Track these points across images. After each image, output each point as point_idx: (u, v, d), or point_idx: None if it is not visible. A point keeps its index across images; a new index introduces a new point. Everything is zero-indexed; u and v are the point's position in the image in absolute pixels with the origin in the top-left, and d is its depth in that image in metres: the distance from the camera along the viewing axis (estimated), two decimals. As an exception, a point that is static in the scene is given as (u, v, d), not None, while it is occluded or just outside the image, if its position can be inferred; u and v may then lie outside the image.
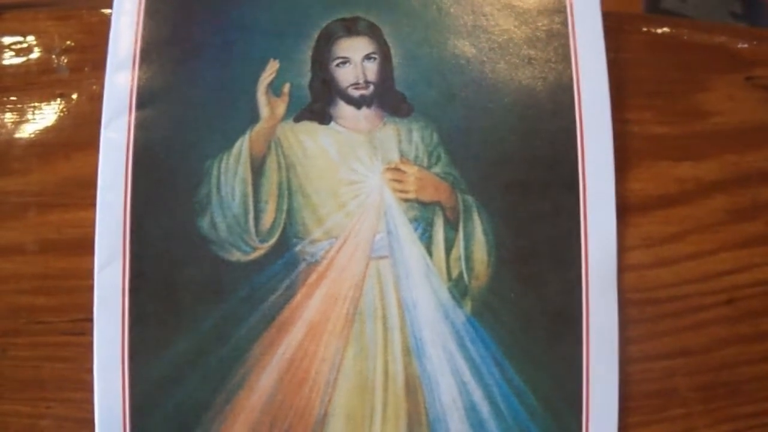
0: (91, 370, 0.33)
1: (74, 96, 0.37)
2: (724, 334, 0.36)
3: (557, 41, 0.36)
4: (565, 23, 0.36)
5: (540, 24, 0.36)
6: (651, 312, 0.36)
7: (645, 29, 0.39)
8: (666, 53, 0.39)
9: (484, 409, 0.33)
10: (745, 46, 0.39)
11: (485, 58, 0.36)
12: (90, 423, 0.33)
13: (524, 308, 0.34)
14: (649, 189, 0.37)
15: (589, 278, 0.34)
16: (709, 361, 0.36)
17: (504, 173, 0.35)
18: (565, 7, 0.36)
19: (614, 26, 0.37)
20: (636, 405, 0.35)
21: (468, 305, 0.34)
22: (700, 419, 0.36)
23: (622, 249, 0.35)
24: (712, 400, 0.36)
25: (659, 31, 0.40)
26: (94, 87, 0.37)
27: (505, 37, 0.36)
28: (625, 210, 0.36)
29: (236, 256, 0.34)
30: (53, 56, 0.38)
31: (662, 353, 0.36)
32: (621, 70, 0.38)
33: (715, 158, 0.38)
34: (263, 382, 0.33)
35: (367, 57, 0.35)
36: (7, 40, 0.38)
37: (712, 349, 0.36)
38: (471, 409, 0.33)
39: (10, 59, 0.38)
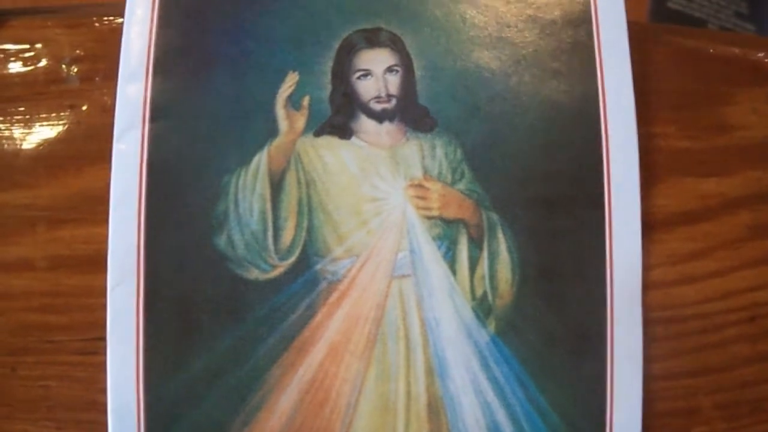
0: (103, 391, 0.32)
1: (84, 107, 0.36)
2: (747, 352, 0.36)
3: (582, 53, 0.35)
4: (590, 35, 0.35)
5: (565, 35, 0.35)
6: (675, 330, 0.36)
7: (668, 41, 0.39)
8: (689, 65, 0.38)
9: (508, 429, 0.33)
10: (770, 58, 0.39)
11: (510, 71, 0.35)
12: (103, 445, 0.32)
13: (548, 327, 0.33)
14: (673, 205, 0.36)
15: (614, 296, 0.34)
16: (731, 379, 0.36)
17: (529, 189, 0.34)
18: (590, 18, 0.35)
19: (637, 37, 0.36)
20: (659, 424, 0.35)
21: (492, 325, 0.33)
22: (722, 437, 0.35)
23: (646, 266, 0.34)
24: (735, 419, 0.35)
25: (682, 42, 0.39)
26: (106, 98, 0.35)
27: (531, 49, 0.35)
28: (649, 226, 0.35)
29: (254, 274, 0.33)
30: (63, 65, 0.36)
31: (685, 371, 0.35)
32: (644, 83, 0.37)
33: (739, 174, 0.37)
34: (283, 404, 0.32)
35: (389, 69, 0.34)
36: (14, 47, 0.36)
37: (735, 367, 0.36)
38: (494, 430, 0.33)
39: (17, 68, 0.36)
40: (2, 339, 0.34)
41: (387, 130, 0.34)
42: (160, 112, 0.34)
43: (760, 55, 0.39)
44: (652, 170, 0.36)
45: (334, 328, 0.33)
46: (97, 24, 0.37)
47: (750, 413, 0.36)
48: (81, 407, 0.34)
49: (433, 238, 0.34)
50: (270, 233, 0.33)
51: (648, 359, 0.34)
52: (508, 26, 0.35)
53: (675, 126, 0.37)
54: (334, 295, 0.33)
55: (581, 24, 0.35)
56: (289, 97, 0.34)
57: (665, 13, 0.65)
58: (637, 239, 0.34)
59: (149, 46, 0.34)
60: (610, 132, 0.35)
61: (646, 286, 0.34)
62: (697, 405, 0.35)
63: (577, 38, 0.35)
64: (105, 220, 0.33)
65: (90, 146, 0.35)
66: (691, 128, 0.37)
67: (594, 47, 0.35)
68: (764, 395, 0.36)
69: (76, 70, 0.36)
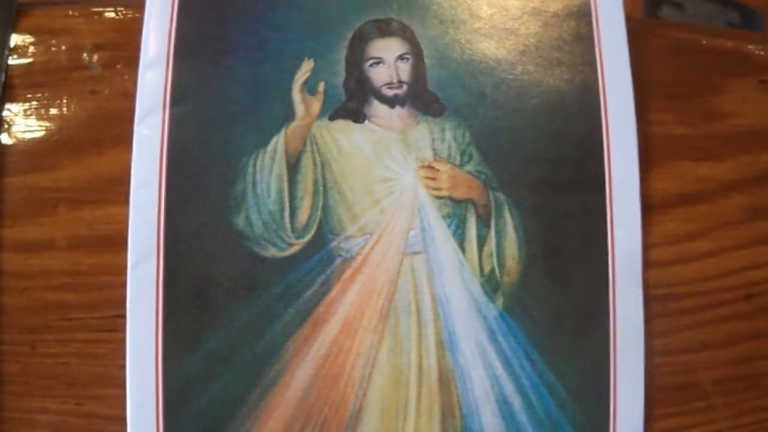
0: (122, 367, 0.33)
1: (106, 92, 0.37)
2: (743, 329, 0.37)
3: (583, 44, 0.37)
4: (590, 27, 0.37)
5: (566, 27, 0.37)
6: (673, 307, 0.37)
7: (663, 34, 0.41)
8: (684, 57, 0.40)
9: (516, 401, 0.34)
10: (759, 51, 0.41)
11: (515, 60, 0.37)
12: (121, 420, 0.33)
13: (554, 303, 0.35)
14: (671, 188, 0.38)
15: (616, 274, 0.35)
16: (728, 355, 0.37)
17: (533, 172, 0.35)
18: (590, 11, 0.37)
19: (634, 30, 0.38)
20: (660, 397, 0.36)
21: (500, 300, 0.35)
22: (720, 412, 0.37)
23: (645, 246, 0.36)
24: (731, 393, 0.37)
25: (677, 35, 0.41)
26: (127, 84, 0.37)
27: (534, 39, 0.37)
28: (648, 208, 0.37)
29: (271, 252, 0.34)
30: (84, 54, 0.37)
31: (684, 347, 0.37)
32: (641, 74, 0.39)
33: (732, 159, 0.39)
34: (298, 377, 0.33)
35: (400, 57, 0.36)
36: (37, 37, 0.38)
37: (732, 344, 0.37)
38: (503, 402, 0.34)
39: (39, 56, 0.38)
40: (22, 317, 0.35)
41: (398, 114, 0.36)
42: (180, 96, 0.35)
43: (751, 47, 0.41)
44: (650, 155, 0.38)
45: (348, 303, 0.34)
46: (117, 13, 0.38)
47: (746, 389, 0.37)
48: (100, 383, 0.35)
49: (443, 217, 0.35)
50: (287, 212, 0.34)
51: (649, 335, 0.35)
52: (513, 18, 0.37)
53: (671, 114, 0.39)
54: (348, 272, 0.34)
55: (582, 16, 0.37)
56: (305, 83, 0.36)
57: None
58: (637, 220, 0.36)
59: (169, 34, 0.36)
60: (610, 118, 0.36)
61: (646, 265, 0.36)
62: (696, 380, 0.37)
63: (578, 30, 0.37)
64: (124, 201, 0.34)
65: (111, 130, 0.37)
66: (687, 116, 0.39)
67: (594, 38, 0.37)
68: (760, 371, 0.37)
69: (97, 58, 0.38)
